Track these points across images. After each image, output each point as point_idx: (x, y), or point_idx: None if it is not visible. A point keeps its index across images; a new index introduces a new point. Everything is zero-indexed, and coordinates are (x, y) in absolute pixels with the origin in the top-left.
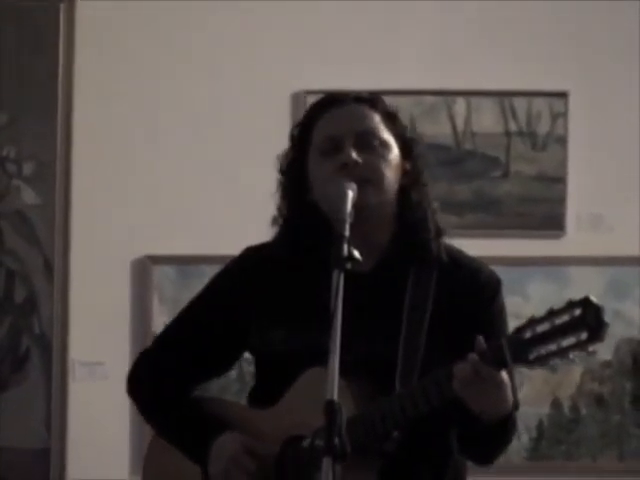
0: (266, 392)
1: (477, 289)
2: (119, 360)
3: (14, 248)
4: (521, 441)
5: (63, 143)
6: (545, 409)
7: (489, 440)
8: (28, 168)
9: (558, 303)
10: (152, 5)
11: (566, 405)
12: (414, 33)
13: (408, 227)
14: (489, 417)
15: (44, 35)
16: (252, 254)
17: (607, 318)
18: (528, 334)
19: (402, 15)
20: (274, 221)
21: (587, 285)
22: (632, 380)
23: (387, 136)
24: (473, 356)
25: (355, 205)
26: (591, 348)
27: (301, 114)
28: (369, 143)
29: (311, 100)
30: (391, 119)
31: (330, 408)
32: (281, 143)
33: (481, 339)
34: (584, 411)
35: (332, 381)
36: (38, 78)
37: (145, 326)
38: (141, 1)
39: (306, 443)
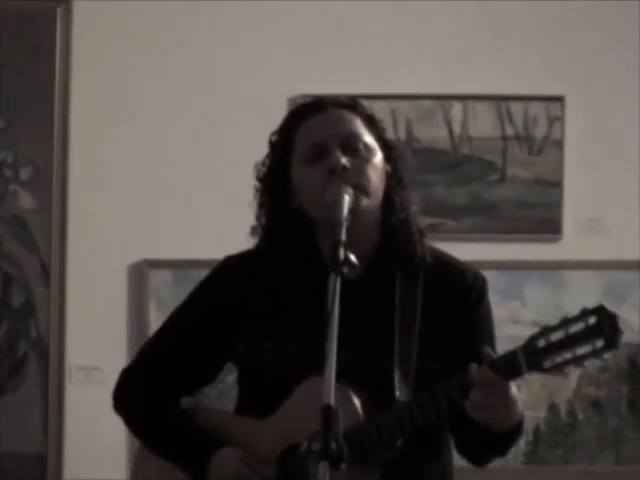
0: (258, 402)
1: (465, 289)
2: (116, 364)
3: (11, 253)
4: (518, 445)
5: (60, 148)
6: (542, 413)
7: (494, 446)
8: (25, 173)
9: (555, 307)
10: (150, 8)
11: (563, 409)
12: (411, 37)
13: (393, 230)
14: (498, 428)
15: (41, 39)
16: (233, 263)
17: None
18: (542, 342)
19: (399, 20)
20: (253, 231)
21: (584, 289)
22: (629, 384)
23: (370, 139)
24: (484, 367)
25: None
26: (606, 355)
27: None
28: (354, 147)
29: None
30: (371, 122)
31: (326, 412)
32: None
33: (489, 349)
34: (581, 415)
35: (328, 386)
36: (35, 82)
37: (142, 330)
38: (139, 2)
39: (303, 448)
